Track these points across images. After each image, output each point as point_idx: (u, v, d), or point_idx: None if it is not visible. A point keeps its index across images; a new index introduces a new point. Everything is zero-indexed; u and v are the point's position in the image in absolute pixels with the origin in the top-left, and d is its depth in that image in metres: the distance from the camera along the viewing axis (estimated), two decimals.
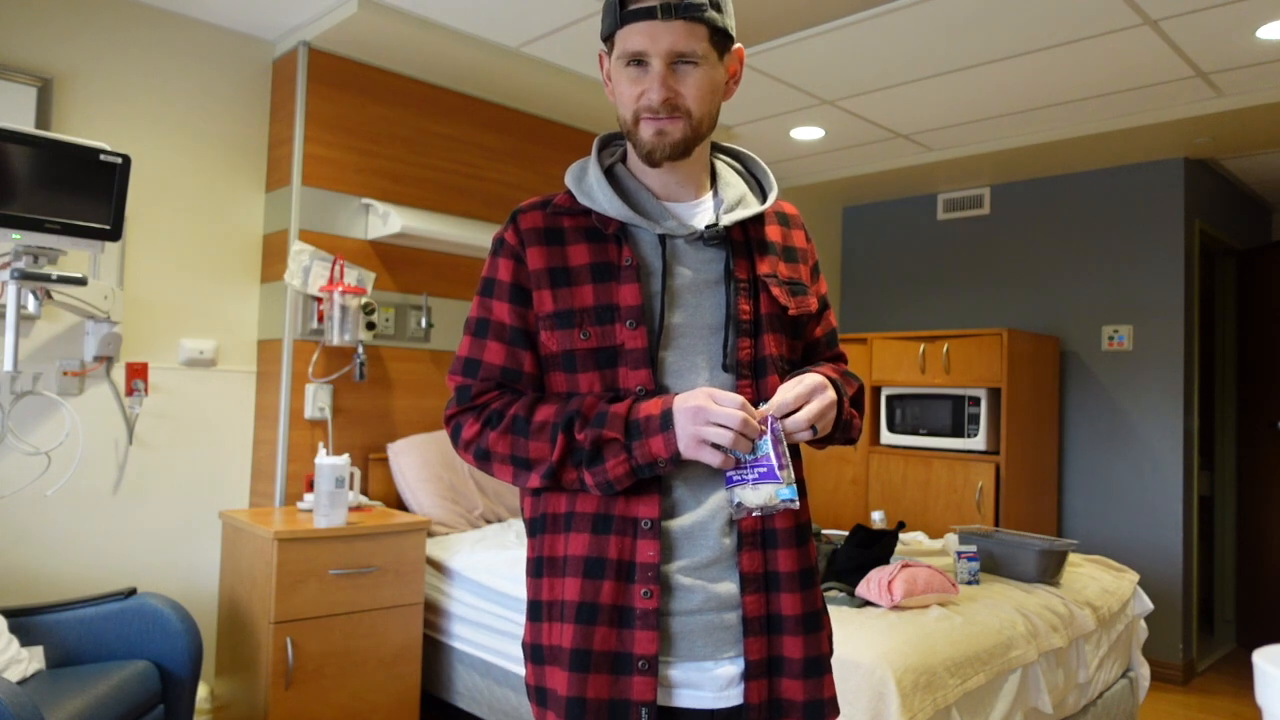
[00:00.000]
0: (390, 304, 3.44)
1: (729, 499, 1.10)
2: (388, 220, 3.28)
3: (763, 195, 1.30)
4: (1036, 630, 2.41)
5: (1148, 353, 4.28)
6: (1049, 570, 2.81)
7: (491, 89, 3.64)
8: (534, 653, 1.19)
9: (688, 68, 1.14)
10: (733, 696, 1.14)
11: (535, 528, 1.22)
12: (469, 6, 2.97)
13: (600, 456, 1.10)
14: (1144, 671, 3.09)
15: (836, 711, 1.19)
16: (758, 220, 1.26)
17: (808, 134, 4.19)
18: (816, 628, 1.19)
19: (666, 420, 1.08)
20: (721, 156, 1.34)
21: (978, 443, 4.11)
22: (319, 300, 3.19)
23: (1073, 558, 3.21)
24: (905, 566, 2.42)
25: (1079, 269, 4.52)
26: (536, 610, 1.20)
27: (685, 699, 1.14)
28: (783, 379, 1.20)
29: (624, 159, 1.27)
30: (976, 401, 4.12)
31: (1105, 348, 4.41)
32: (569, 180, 1.24)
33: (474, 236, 3.48)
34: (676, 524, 1.14)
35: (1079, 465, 4.47)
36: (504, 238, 1.24)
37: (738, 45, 1.22)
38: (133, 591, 2.46)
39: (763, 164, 1.33)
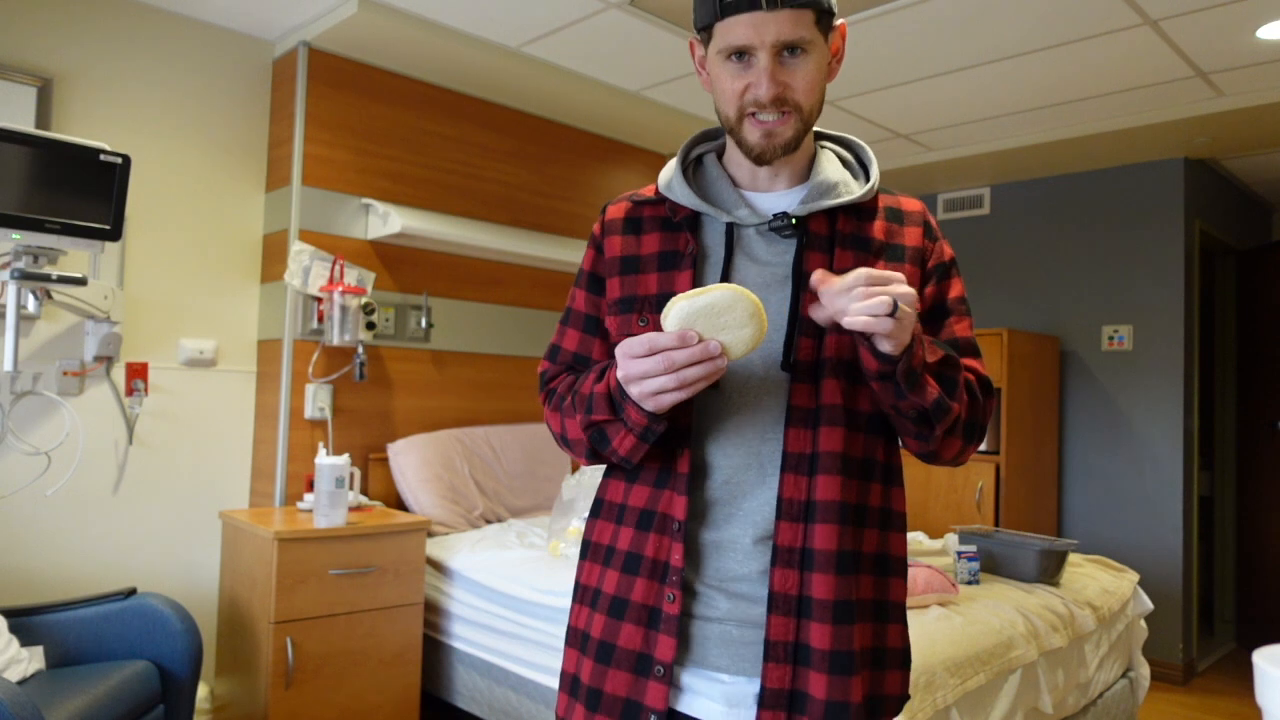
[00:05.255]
0: (390, 304, 3.44)
1: None
2: (388, 220, 3.28)
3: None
4: (1036, 630, 2.41)
5: (1148, 353, 4.27)
6: (1049, 570, 2.81)
7: (491, 89, 3.64)
8: (569, 635, 1.21)
9: (796, 58, 1.05)
10: (744, 718, 1.07)
11: (593, 510, 1.24)
12: (469, 6, 2.97)
13: (605, 437, 1.10)
14: (1144, 671, 3.09)
15: None
16: (854, 213, 1.15)
17: None
18: (847, 669, 1.04)
19: (622, 392, 1.04)
20: (828, 145, 1.23)
21: None
22: (319, 300, 3.19)
23: (1073, 558, 3.21)
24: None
25: (1079, 269, 4.52)
26: (575, 593, 1.22)
27: (694, 706, 1.09)
28: (845, 383, 1.10)
29: (721, 151, 1.23)
30: None
31: (1105, 348, 4.41)
32: (661, 175, 1.23)
33: (474, 236, 3.48)
34: (706, 531, 1.10)
35: (1079, 465, 4.47)
36: (593, 229, 1.28)
37: (840, 21, 1.12)
38: (133, 591, 2.46)
39: (870, 153, 1.21)
